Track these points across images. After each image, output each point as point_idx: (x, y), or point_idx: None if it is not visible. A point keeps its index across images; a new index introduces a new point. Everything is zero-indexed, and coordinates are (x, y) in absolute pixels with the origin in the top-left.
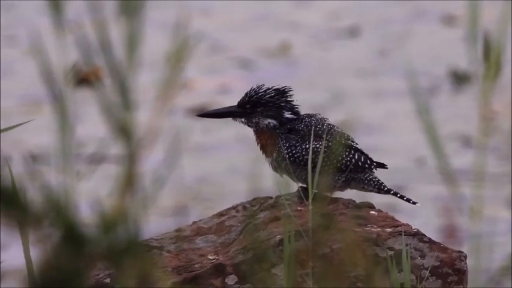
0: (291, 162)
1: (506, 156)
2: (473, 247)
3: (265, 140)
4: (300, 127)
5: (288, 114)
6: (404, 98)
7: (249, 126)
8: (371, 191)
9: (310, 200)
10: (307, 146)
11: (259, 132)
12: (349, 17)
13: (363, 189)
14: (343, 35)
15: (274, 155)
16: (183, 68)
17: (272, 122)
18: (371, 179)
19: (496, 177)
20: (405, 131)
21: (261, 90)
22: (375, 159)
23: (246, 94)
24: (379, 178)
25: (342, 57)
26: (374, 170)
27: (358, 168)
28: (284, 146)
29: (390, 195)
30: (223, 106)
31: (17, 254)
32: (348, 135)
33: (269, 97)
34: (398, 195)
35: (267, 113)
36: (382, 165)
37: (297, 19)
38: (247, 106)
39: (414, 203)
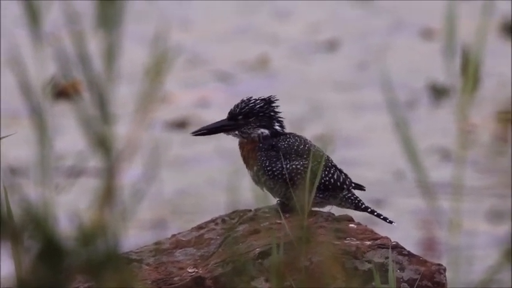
0: (270, 178)
1: (485, 169)
2: (453, 260)
3: (247, 152)
4: (283, 145)
5: (277, 126)
6: (383, 111)
7: (242, 138)
8: (348, 207)
9: (300, 212)
10: (287, 165)
11: (243, 144)
12: (328, 30)
13: (340, 205)
14: (322, 48)
15: (255, 168)
16: (162, 81)
17: (264, 131)
18: (349, 197)
19: (475, 191)
20: (384, 144)
21: (250, 101)
22: (353, 172)
23: (237, 106)
24: (357, 195)
25: (321, 70)
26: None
27: (336, 188)
28: (265, 162)
29: (367, 213)
30: (203, 119)
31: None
32: (328, 156)
33: (259, 107)
34: (376, 213)
35: (260, 123)
36: (360, 187)
37: (276, 32)
38: (239, 117)
39: (391, 222)
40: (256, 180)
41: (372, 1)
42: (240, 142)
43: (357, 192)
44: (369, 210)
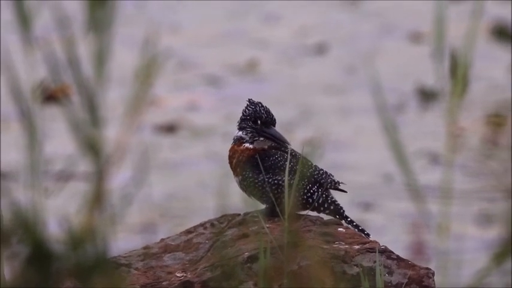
0: (256, 188)
1: (474, 173)
2: (441, 264)
3: (238, 159)
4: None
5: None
6: (372, 114)
7: (249, 142)
8: (329, 214)
9: (285, 216)
10: (269, 179)
11: (240, 149)
12: (317, 34)
13: (322, 211)
14: (311, 51)
15: (241, 176)
16: (152, 84)
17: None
18: (332, 201)
19: (463, 194)
20: (373, 148)
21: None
22: (343, 176)
23: (268, 111)
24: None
25: (310, 74)
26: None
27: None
28: (251, 172)
29: (346, 222)
30: (192, 123)
31: None
32: (315, 167)
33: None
34: (354, 224)
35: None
36: (342, 190)
37: (265, 36)
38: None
39: (368, 235)
40: (243, 188)
41: (361, 2)
42: (237, 147)
43: (340, 200)
44: (349, 219)
